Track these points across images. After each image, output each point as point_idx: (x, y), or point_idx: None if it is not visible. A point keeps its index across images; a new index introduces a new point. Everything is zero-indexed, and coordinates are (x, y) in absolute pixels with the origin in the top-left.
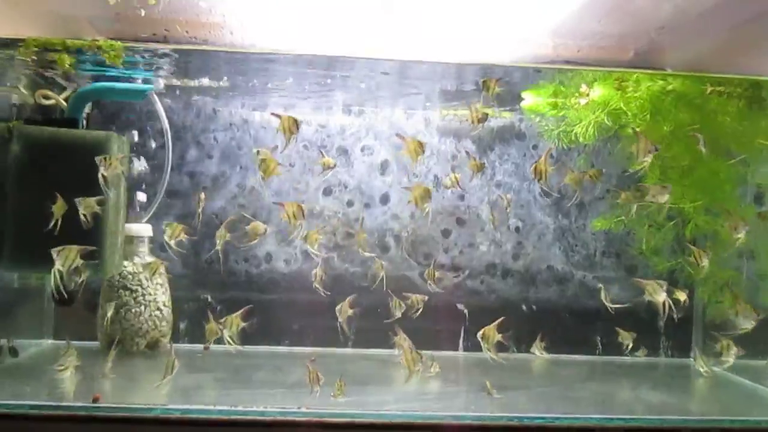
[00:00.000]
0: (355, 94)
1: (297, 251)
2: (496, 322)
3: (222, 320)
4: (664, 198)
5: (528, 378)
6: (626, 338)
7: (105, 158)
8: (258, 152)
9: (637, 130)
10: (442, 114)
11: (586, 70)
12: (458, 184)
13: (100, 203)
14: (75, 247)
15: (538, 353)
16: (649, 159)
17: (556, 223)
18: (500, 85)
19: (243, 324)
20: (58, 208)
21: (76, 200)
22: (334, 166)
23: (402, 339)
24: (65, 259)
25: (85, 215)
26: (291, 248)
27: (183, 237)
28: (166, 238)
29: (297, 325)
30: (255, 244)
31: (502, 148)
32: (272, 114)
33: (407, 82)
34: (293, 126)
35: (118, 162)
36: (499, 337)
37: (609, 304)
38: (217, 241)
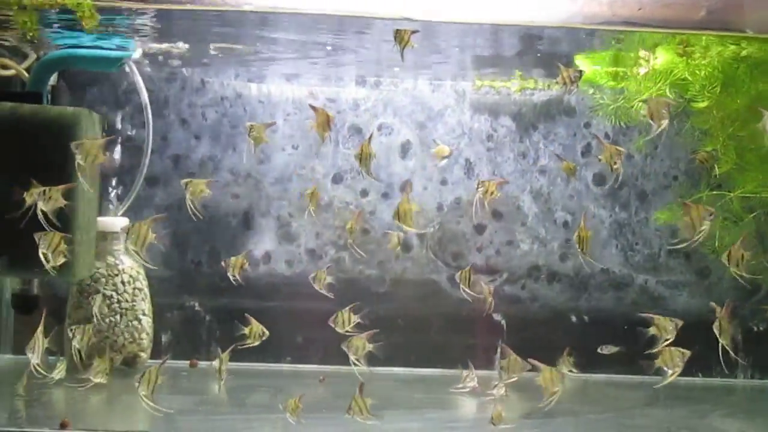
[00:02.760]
0: (370, 61)
1: (301, 250)
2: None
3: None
4: None
5: (577, 402)
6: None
7: (81, 144)
8: (251, 127)
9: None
10: (476, 85)
11: (648, 32)
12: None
13: (67, 196)
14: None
15: (566, 370)
16: (665, 124)
17: (612, 216)
18: (539, 46)
19: (370, 347)
20: (29, 197)
21: (37, 192)
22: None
23: (514, 360)
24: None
25: (44, 211)
26: (294, 247)
27: (154, 241)
28: (129, 245)
29: (301, 338)
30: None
31: (547, 127)
32: (310, 106)
33: (433, 47)
34: (326, 123)
35: (98, 149)
36: (370, 347)
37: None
38: (230, 269)
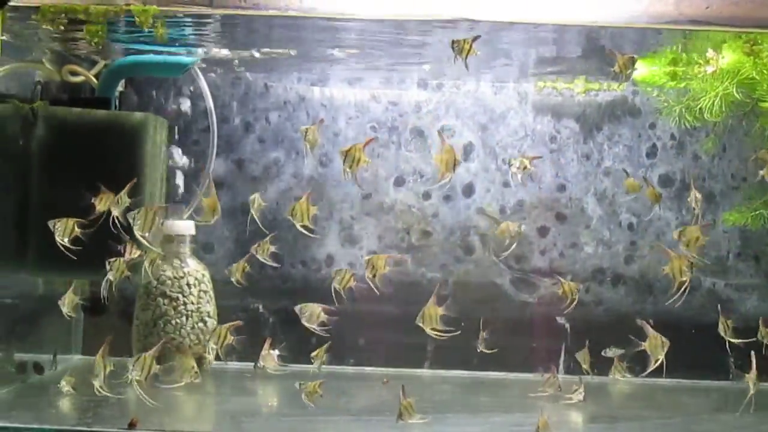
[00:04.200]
0: (432, 64)
1: (363, 253)
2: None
3: None
4: None
5: (645, 406)
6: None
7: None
8: (306, 131)
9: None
10: (538, 87)
11: (715, 31)
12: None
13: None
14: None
15: (619, 376)
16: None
17: (678, 218)
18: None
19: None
20: (102, 202)
21: (107, 197)
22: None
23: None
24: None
25: (117, 218)
26: (357, 249)
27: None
28: (137, 231)
29: (364, 341)
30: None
31: (611, 128)
32: (439, 134)
33: (495, 49)
34: (450, 161)
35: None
36: (440, 311)
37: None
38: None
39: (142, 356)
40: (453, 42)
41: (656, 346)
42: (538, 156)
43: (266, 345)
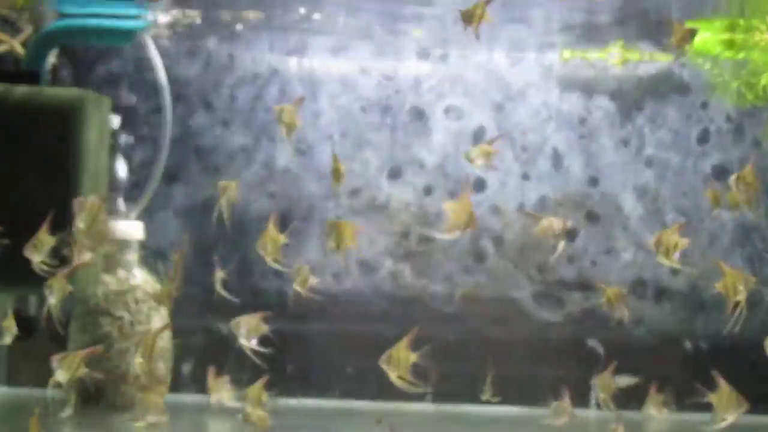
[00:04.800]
0: (435, 30)
1: (351, 261)
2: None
3: None
4: None
5: None
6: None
7: None
8: (281, 110)
9: None
10: (565, 57)
11: None
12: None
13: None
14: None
15: (656, 412)
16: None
17: (737, 218)
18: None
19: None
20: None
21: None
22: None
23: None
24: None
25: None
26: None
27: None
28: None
29: (352, 369)
30: None
31: (654, 108)
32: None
33: (512, 14)
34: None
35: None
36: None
37: None
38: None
39: (70, 355)
40: (462, 13)
41: (728, 404)
42: (497, 137)
43: (210, 375)
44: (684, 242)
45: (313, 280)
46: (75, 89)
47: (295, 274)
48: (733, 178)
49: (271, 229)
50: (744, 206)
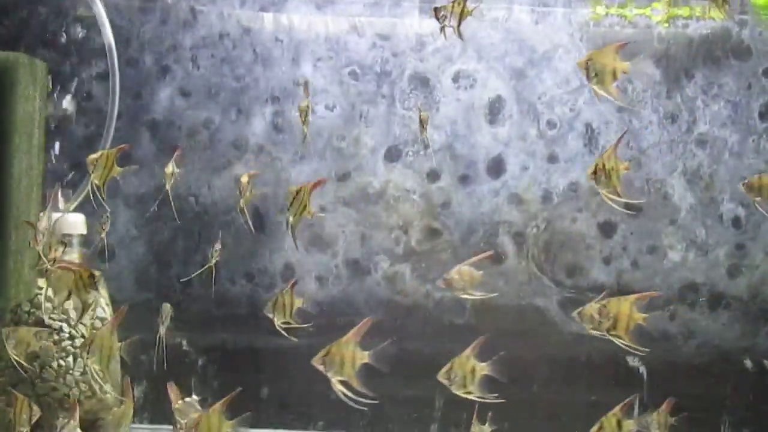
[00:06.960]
0: None
1: (338, 261)
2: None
3: None
4: None
5: None
6: None
7: None
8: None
9: None
10: (596, 15)
11: None
12: None
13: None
14: None
15: None
16: None
17: None
18: None
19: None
20: None
21: None
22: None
23: None
24: None
25: None
26: (328, 256)
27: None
28: (93, 179)
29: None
30: None
31: (708, 76)
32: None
33: None
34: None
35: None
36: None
37: None
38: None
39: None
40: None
41: None
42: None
43: (172, 394)
44: (624, 166)
45: (302, 304)
46: (5, 52)
47: (272, 306)
48: None
49: (288, 292)
50: None
